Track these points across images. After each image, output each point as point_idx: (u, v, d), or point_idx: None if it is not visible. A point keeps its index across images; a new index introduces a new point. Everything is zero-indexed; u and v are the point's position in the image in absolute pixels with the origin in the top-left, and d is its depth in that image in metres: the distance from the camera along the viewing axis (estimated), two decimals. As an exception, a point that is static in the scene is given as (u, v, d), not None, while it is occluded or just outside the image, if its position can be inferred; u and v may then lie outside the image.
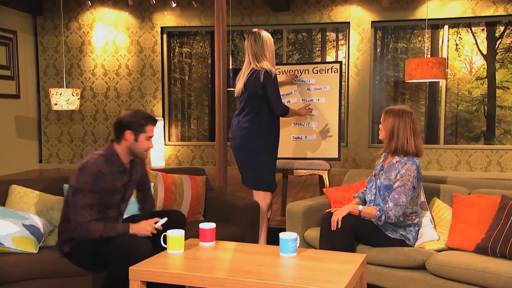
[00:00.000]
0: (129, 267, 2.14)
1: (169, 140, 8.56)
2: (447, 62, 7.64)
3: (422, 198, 2.97)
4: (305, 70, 4.44)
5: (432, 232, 2.87)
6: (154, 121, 2.67)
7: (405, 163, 2.80)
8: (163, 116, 8.42)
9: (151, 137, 2.67)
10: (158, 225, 2.61)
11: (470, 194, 2.98)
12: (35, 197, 2.81)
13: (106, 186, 2.59)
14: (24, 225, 2.52)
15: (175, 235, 2.32)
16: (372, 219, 2.74)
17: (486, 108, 7.65)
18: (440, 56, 7.61)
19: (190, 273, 2.07)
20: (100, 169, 2.57)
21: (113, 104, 8.55)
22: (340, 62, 4.55)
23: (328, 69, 4.41)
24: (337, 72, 4.38)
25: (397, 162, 2.85)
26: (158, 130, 7.85)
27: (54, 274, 2.49)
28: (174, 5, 7.53)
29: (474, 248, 2.68)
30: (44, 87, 8.59)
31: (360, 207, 2.75)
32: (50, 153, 8.78)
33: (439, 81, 7.32)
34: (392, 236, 2.78)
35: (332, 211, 2.81)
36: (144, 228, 2.58)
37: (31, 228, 2.53)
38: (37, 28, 8.61)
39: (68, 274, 2.54)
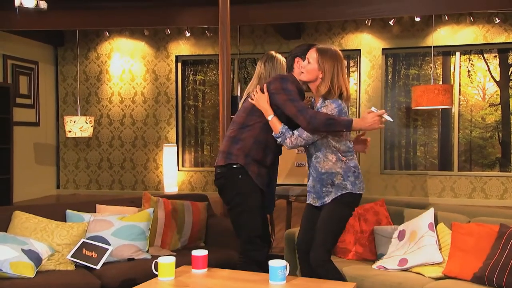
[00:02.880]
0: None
1: (182, 166, 8.65)
2: (460, 89, 7.60)
3: (430, 216, 2.96)
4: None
5: (436, 254, 2.83)
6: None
7: (325, 105, 2.70)
8: (177, 142, 8.55)
9: None
10: (388, 118, 2.63)
11: (470, 223, 2.95)
12: (37, 222, 2.89)
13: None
14: (23, 250, 2.59)
15: (165, 262, 2.35)
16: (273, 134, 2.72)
17: (500, 134, 7.53)
18: (452, 82, 7.58)
19: (177, 299, 2.10)
20: (297, 83, 2.82)
21: (128, 131, 8.74)
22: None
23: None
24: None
25: (319, 104, 2.75)
26: (172, 156, 7.96)
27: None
28: (188, 34, 7.75)
29: (471, 277, 2.64)
30: (63, 114, 8.84)
31: (270, 117, 2.71)
32: (67, 179, 8.97)
33: (451, 108, 7.27)
34: (332, 198, 2.66)
35: None
36: (372, 119, 2.65)
37: (30, 253, 2.60)
38: (58, 58, 8.93)
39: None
